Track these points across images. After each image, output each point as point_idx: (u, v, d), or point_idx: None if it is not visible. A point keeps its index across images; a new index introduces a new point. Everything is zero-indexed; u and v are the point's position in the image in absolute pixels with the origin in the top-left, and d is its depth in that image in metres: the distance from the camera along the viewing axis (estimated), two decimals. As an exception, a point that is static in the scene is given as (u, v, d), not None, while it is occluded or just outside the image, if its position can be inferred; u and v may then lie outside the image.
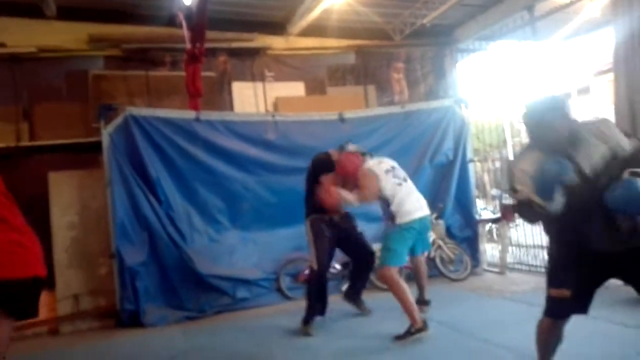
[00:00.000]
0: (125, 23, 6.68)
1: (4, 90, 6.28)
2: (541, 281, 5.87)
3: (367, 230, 5.55)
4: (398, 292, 4.22)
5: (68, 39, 6.49)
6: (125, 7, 6.51)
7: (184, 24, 5.88)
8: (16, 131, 6.14)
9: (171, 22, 6.39)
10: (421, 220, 4.49)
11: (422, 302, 4.89)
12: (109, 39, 6.62)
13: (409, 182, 4.64)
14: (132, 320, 5.48)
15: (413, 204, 4.47)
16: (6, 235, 2.28)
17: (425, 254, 5.24)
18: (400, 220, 4.39)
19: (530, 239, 6.71)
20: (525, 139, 8.33)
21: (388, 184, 4.46)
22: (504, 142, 8.31)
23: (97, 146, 5.76)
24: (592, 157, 2.32)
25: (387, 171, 4.54)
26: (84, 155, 6.16)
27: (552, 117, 2.38)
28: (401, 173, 4.63)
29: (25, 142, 6.13)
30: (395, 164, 4.71)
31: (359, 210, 5.17)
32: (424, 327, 4.11)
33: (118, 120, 5.77)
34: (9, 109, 6.20)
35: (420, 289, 5.05)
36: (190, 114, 6.07)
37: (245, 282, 6.02)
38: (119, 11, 6.58)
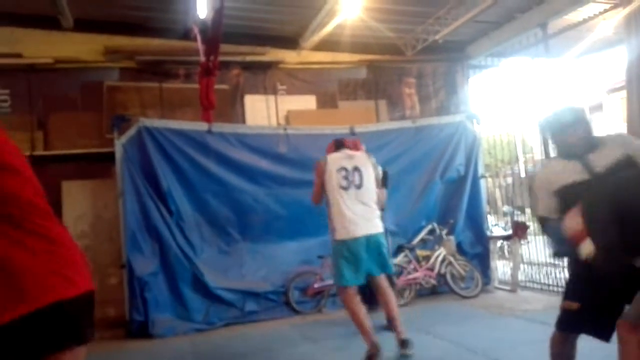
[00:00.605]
0: (140, 35, 6.76)
1: (20, 100, 6.37)
2: (553, 300, 5.87)
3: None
4: (349, 313, 3.87)
5: (84, 50, 6.58)
6: (141, 20, 6.59)
7: (199, 37, 5.94)
8: (31, 140, 6.20)
9: (185, 35, 6.46)
10: (356, 240, 3.82)
11: (399, 342, 3.97)
12: (124, 50, 6.71)
13: (364, 191, 3.95)
14: (141, 330, 5.48)
15: (348, 220, 3.84)
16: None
17: (383, 276, 4.10)
18: (334, 235, 3.96)
19: (542, 257, 6.65)
20: (537, 154, 8.30)
21: (329, 186, 3.95)
22: (516, 158, 8.26)
23: (110, 156, 5.82)
24: (608, 158, 2.40)
25: (339, 169, 3.96)
26: (97, 165, 6.22)
27: (572, 121, 2.50)
28: (359, 177, 3.95)
29: (40, 151, 6.19)
30: (364, 163, 4.02)
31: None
32: (374, 353, 3.72)
33: (131, 131, 5.84)
34: (24, 118, 6.28)
35: (389, 320, 4.15)
36: (202, 126, 6.12)
37: (254, 295, 6.01)
38: (134, 24, 6.66)
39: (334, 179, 3.95)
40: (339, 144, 4.21)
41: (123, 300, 5.63)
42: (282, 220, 6.36)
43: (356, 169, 3.96)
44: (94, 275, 5.96)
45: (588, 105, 20.98)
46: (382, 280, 4.03)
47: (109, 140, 6.01)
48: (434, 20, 6.81)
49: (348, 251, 3.85)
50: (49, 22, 6.26)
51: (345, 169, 3.97)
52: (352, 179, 3.94)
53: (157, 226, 5.73)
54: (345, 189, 3.91)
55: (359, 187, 3.94)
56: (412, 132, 7.00)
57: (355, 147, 4.20)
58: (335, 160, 4.04)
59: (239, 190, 6.21)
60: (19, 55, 6.33)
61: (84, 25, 6.48)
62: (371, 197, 3.98)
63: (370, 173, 4.03)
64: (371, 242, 3.88)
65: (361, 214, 3.88)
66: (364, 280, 3.95)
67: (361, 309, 3.87)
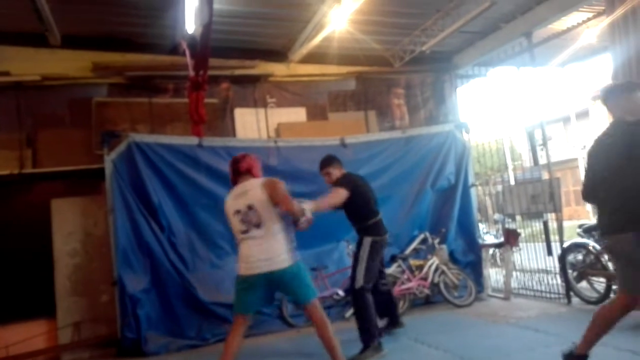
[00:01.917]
0: (128, 51, 6.76)
1: (8, 118, 6.32)
2: (547, 307, 5.90)
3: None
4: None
5: (72, 67, 6.56)
6: (129, 36, 6.60)
7: (188, 52, 5.96)
8: (19, 158, 6.16)
9: (174, 50, 6.48)
10: (254, 276, 3.64)
11: None
12: (113, 66, 6.70)
13: (264, 229, 3.64)
14: (134, 348, 5.41)
15: (247, 261, 3.68)
16: None
17: (311, 306, 3.75)
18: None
19: (534, 264, 6.68)
20: (525, 162, 8.36)
21: (234, 230, 3.82)
22: (505, 165, 8.33)
23: (100, 173, 5.78)
24: None
25: (235, 213, 3.75)
26: (87, 182, 6.17)
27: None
28: (256, 215, 3.64)
29: (29, 169, 6.14)
30: (257, 197, 3.66)
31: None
32: None
33: (121, 147, 5.81)
34: (12, 136, 6.24)
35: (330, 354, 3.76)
36: (192, 140, 6.11)
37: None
38: (122, 39, 6.66)
39: (233, 224, 3.78)
40: (235, 172, 3.93)
41: (115, 318, 5.56)
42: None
43: (250, 207, 3.66)
44: (86, 293, 5.88)
45: (574, 112, 21.30)
46: (311, 311, 3.74)
47: (98, 156, 5.97)
48: (421, 32, 6.89)
49: (244, 283, 3.73)
50: (37, 39, 6.25)
51: (239, 211, 3.72)
52: (249, 220, 3.67)
53: (149, 242, 5.68)
54: (245, 232, 3.69)
55: (258, 226, 3.66)
56: (402, 142, 7.04)
57: (249, 171, 3.89)
58: (231, 203, 3.81)
59: (230, 204, 6.18)
60: (6, 73, 6.30)
61: (71, 41, 6.48)
62: (271, 235, 3.65)
63: (264, 205, 3.66)
64: (270, 280, 3.66)
65: (262, 254, 3.64)
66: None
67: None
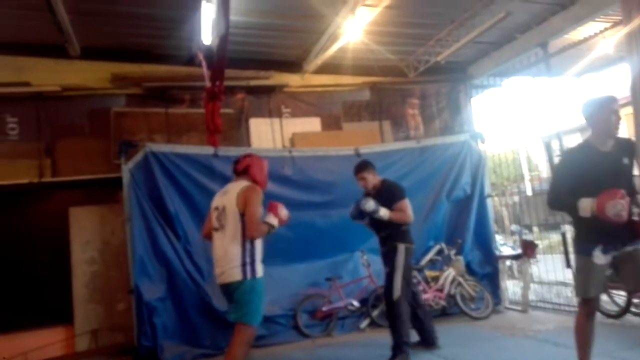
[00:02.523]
0: (146, 62, 6.85)
1: (28, 128, 6.44)
2: (565, 320, 5.81)
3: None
4: None
5: (91, 77, 6.67)
6: (147, 47, 6.70)
7: (204, 63, 6.02)
8: (39, 167, 6.25)
9: (190, 61, 6.55)
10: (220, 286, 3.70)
11: None
12: (131, 77, 6.80)
13: (225, 234, 3.64)
14: (150, 356, 5.43)
15: (215, 264, 3.72)
16: None
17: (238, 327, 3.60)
18: None
19: (552, 276, 6.58)
20: (543, 172, 8.29)
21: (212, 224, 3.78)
22: (522, 176, 8.26)
23: (117, 182, 5.85)
24: None
25: (214, 208, 3.77)
26: (105, 191, 6.26)
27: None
28: (225, 217, 3.63)
29: (48, 178, 6.23)
30: (231, 200, 3.63)
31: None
32: None
33: (138, 156, 5.87)
34: (32, 145, 6.34)
35: None
36: (208, 150, 6.16)
37: (263, 319, 5.92)
38: (140, 51, 6.76)
39: (210, 219, 3.79)
40: (233, 171, 3.98)
41: (131, 326, 5.59)
42: (289, 242, 6.33)
43: (223, 208, 3.65)
44: (103, 301, 5.96)
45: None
46: (237, 330, 3.57)
47: (116, 165, 6.05)
48: (435, 42, 6.89)
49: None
50: (57, 50, 6.37)
51: (217, 208, 3.74)
52: (221, 219, 3.67)
53: (165, 251, 5.72)
54: (216, 230, 3.71)
55: (222, 228, 3.65)
56: (417, 152, 7.02)
57: (246, 172, 3.86)
58: (215, 199, 3.85)
59: (245, 213, 6.21)
60: (27, 84, 6.42)
61: (91, 53, 6.59)
62: (230, 241, 3.59)
63: (232, 210, 3.60)
64: (227, 291, 3.67)
65: (220, 260, 3.65)
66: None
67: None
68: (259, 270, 3.63)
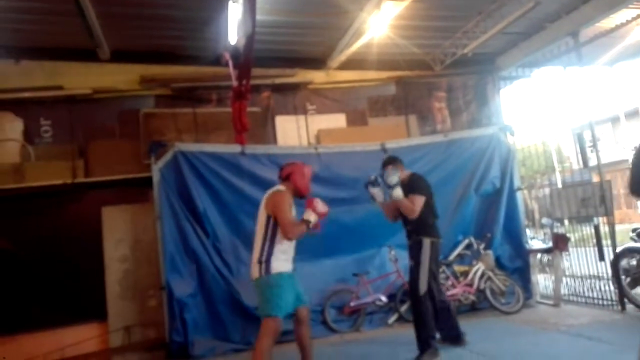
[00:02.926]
0: (174, 64, 6.98)
1: (61, 130, 6.64)
2: (599, 314, 5.69)
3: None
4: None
5: (121, 80, 6.83)
6: (174, 49, 6.81)
7: (230, 63, 6.10)
8: (72, 168, 6.43)
9: (216, 61, 6.65)
10: None
11: None
12: (159, 79, 6.93)
13: (257, 233, 3.99)
14: (181, 352, 5.53)
15: None
16: None
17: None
18: None
19: (585, 269, 6.44)
20: (574, 164, 8.12)
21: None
22: (552, 168, 8.09)
23: (148, 181, 5.97)
24: None
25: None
26: (136, 190, 6.39)
27: None
28: (258, 219, 4.02)
29: (81, 179, 6.40)
30: (263, 205, 4.01)
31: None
32: None
33: (167, 156, 5.98)
34: (65, 147, 6.53)
35: None
36: (235, 148, 6.23)
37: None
38: (168, 53, 6.88)
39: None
40: (279, 178, 4.29)
41: (163, 322, 5.71)
42: (316, 238, 6.27)
43: (259, 210, 4.02)
44: (135, 297, 6.11)
45: (623, 112, 20.49)
46: (262, 324, 3.82)
47: (146, 165, 6.18)
48: (462, 34, 6.80)
49: None
50: (88, 54, 6.54)
51: (259, 209, 4.07)
52: (256, 221, 4.03)
53: (195, 248, 5.81)
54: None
55: (257, 229, 4.00)
56: (444, 146, 6.94)
57: (288, 178, 4.15)
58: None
59: (272, 210, 6.26)
60: (59, 88, 6.62)
61: (120, 56, 6.74)
62: (256, 241, 3.96)
63: (261, 212, 4.00)
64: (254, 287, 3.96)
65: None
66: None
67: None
68: (276, 267, 3.83)
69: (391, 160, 4.95)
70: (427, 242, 4.64)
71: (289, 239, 3.86)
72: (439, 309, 4.77)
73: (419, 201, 4.64)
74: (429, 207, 4.74)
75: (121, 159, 6.54)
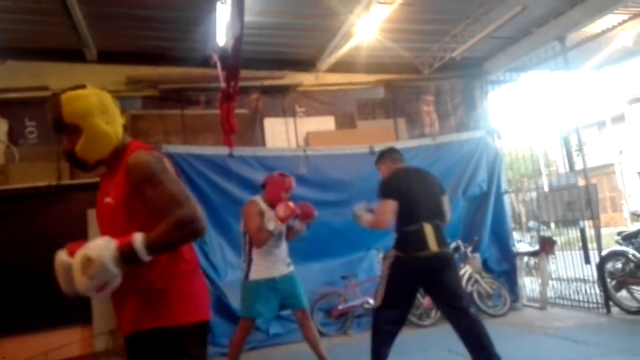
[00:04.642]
0: (161, 65, 6.92)
1: (46, 131, 6.51)
2: (585, 317, 5.73)
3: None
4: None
5: (108, 81, 6.73)
6: (162, 50, 6.76)
7: (218, 64, 6.07)
8: (57, 170, 6.35)
9: (205, 63, 6.61)
10: None
11: None
12: (147, 80, 6.87)
13: None
14: (167, 356, 5.47)
15: None
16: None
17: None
18: None
19: (571, 272, 6.49)
20: (560, 167, 8.22)
21: None
22: (539, 172, 8.15)
23: (134, 183, 5.90)
24: None
25: None
26: (122, 193, 6.30)
27: None
28: None
29: (66, 180, 6.33)
30: None
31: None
32: None
33: (155, 157, 5.92)
34: (50, 148, 6.43)
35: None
36: (223, 150, 6.19)
37: (278, 318, 5.96)
38: (155, 54, 6.82)
39: None
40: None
41: (149, 326, 5.65)
42: (304, 241, 6.30)
43: None
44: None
45: (609, 116, 20.75)
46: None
47: (133, 167, 6.11)
48: (450, 38, 6.83)
49: None
50: (74, 55, 6.47)
51: None
52: None
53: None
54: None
55: None
56: (432, 150, 6.98)
57: (264, 188, 4.44)
58: None
59: (260, 213, 6.23)
60: (45, 88, 6.51)
61: (107, 56, 6.67)
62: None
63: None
64: None
65: None
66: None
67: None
68: (253, 274, 4.16)
69: (377, 158, 4.32)
70: (389, 257, 3.82)
71: (257, 247, 4.09)
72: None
73: (386, 207, 3.74)
74: (406, 210, 3.73)
75: (107, 161, 6.46)
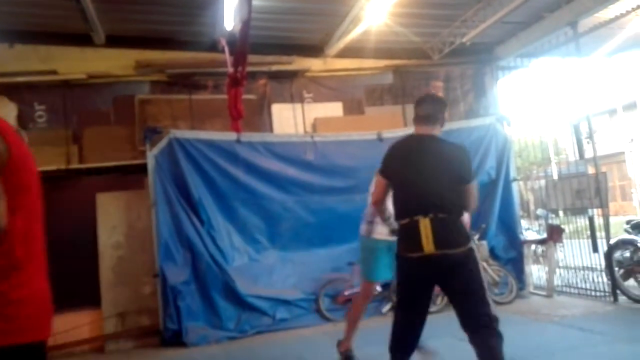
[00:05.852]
0: (169, 49, 6.90)
1: (55, 115, 6.57)
2: (592, 305, 5.72)
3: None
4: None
5: (116, 65, 6.75)
6: (170, 34, 6.73)
7: (226, 49, 6.03)
8: (66, 154, 6.39)
9: (213, 47, 6.58)
10: None
11: None
12: (155, 64, 6.85)
13: None
14: (175, 339, 5.55)
15: None
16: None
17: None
18: None
19: (579, 261, 6.47)
20: (570, 156, 8.13)
21: None
22: (548, 159, 8.09)
23: (142, 168, 5.94)
24: None
25: None
26: (130, 177, 6.34)
27: None
28: None
29: (75, 165, 6.36)
30: None
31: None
32: None
33: (162, 142, 5.94)
34: (59, 132, 6.47)
35: None
36: (231, 136, 6.19)
37: (285, 303, 6.02)
38: (163, 38, 6.80)
39: None
40: None
41: (157, 309, 5.72)
42: (311, 227, 6.37)
43: None
44: (129, 284, 6.09)
45: (621, 104, 20.47)
46: None
47: (141, 152, 6.14)
48: (461, 23, 6.74)
49: None
50: (82, 39, 6.45)
51: None
52: None
53: (189, 235, 5.81)
54: None
55: None
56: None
57: None
58: None
59: (268, 199, 6.26)
60: (54, 72, 6.53)
61: (115, 41, 6.65)
62: None
63: None
64: None
65: None
66: None
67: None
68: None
69: None
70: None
71: None
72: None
73: (377, 182, 3.31)
74: (399, 197, 3.12)
75: (116, 145, 6.49)
